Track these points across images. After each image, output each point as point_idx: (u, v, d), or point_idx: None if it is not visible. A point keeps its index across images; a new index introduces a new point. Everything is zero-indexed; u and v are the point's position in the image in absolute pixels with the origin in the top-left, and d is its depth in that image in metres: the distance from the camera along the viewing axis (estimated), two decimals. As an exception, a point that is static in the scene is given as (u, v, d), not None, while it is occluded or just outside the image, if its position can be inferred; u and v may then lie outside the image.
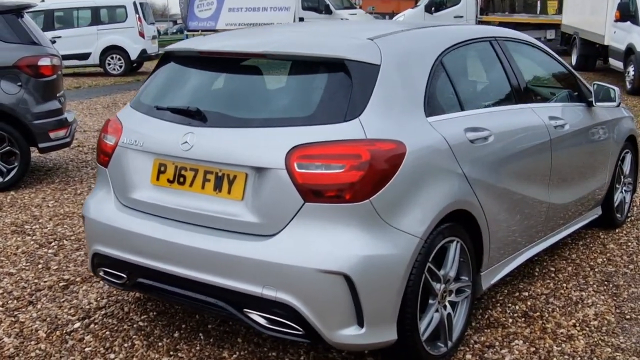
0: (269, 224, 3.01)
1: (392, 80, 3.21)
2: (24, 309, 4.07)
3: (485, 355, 3.49)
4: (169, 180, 3.32)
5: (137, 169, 3.43)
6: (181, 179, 3.27)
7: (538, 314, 3.96)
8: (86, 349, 3.59)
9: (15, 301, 4.19)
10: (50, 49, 7.13)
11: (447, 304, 3.37)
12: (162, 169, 3.34)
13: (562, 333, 3.73)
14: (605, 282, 4.42)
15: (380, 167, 2.95)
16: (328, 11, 26.73)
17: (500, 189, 3.67)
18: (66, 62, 15.77)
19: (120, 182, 3.51)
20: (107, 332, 3.77)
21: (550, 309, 4.02)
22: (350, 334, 2.94)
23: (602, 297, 4.19)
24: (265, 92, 3.34)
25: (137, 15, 19.74)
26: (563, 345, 3.60)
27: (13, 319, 3.95)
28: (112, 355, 3.52)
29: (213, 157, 3.14)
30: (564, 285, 4.37)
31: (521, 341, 3.64)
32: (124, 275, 3.47)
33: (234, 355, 3.50)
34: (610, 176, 5.15)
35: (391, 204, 2.97)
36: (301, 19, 27.50)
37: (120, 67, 19.79)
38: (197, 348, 3.58)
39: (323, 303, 2.92)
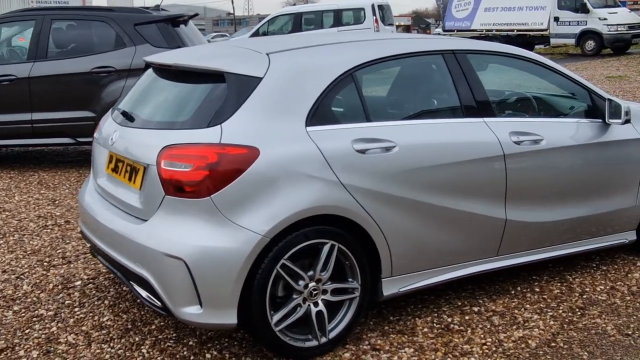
0: (146, 211, 3.55)
1: (272, 91, 3.54)
2: (59, 267, 5.06)
3: (363, 356, 3.65)
4: (112, 169, 4.00)
5: (100, 159, 4.17)
6: (117, 169, 3.93)
7: (462, 328, 3.95)
8: (66, 302, 4.43)
9: (60, 259, 5.20)
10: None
11: (319, 301, 3.61)
12: (110, 159, 4.03)
13: (462, 349, 3.71)
14: (576, 309, 4.18)
15: (225, 168, 3.33)
16: (584, 10, 25.37)
17: (408, 201, 3.74)
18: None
19: (94, 169, 4.28)
20: (94, 292, 4.58)
21: (480, 326, 3.97)
22: (192, 312, 3.38)
23: (551, 323, 4.00)
24: (167, 99, 3.85)
25: (374, 17, 20.73)
26: (448, 360, 3.62)
27: (44, 272, 4.94)
28: (77, 309, 4.31)
29: (122, 151, 3.76)
30: (527, 306, 4.22)
31: (412, 350, 3.71)
32: (90, 247, 4.23)
33: (161, 323, 4.09)
34: (644, 199, 4.74)
35: (234, 202, 3.33)
36: (556, 19, 26.47)
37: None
38: (142, 312, 4.22)
39: (170, 282, 3.39)
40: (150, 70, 4.21)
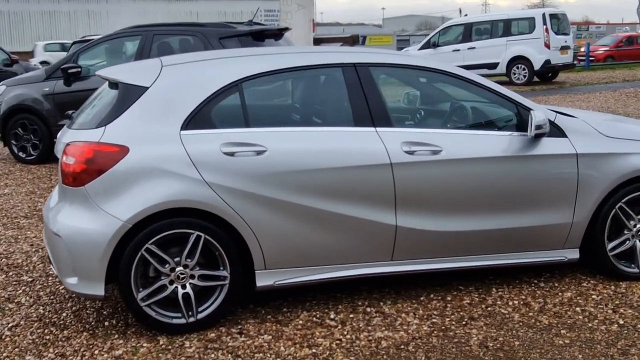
0: (58, 197, 4.29)
1: (155, 99, 4.10)
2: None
3: (224, 338, 4.07)
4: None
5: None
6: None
7: (334, 324, 4.18)
8: (50, 272, 5.30)
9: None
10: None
11: (187, 285, 4.08)
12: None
13: (313, 342, 3.97)
14: (465, 319, 4.21)
15: (97, 163, 3.95)
16: None
17: (279, 202, 4.06)
18: (476, 72, 17.21)
19: (69, 162, 5.11)
20: (77, 267, 5.41)
21: (353, 324, 4.17)
22: (71, 283, 4.04)
23: (424, 329, 4.09)
24: (92, 104, 4.50)
25: (545, 27, 20.05)
26: (291, 350, 3.90)
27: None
28: (51, 279, 5.16)
29: (58, 150, 4.51)
30: (420, 311, 4.32)
31: (269, 337, 4.05)
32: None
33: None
34: (584, 217, 4.58)
35: (104, 191, 3.94)
36: None
37: (524, 76, 20.37)
38: (93, 286, 4.96)
39: (57, 256, 4.08)
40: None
